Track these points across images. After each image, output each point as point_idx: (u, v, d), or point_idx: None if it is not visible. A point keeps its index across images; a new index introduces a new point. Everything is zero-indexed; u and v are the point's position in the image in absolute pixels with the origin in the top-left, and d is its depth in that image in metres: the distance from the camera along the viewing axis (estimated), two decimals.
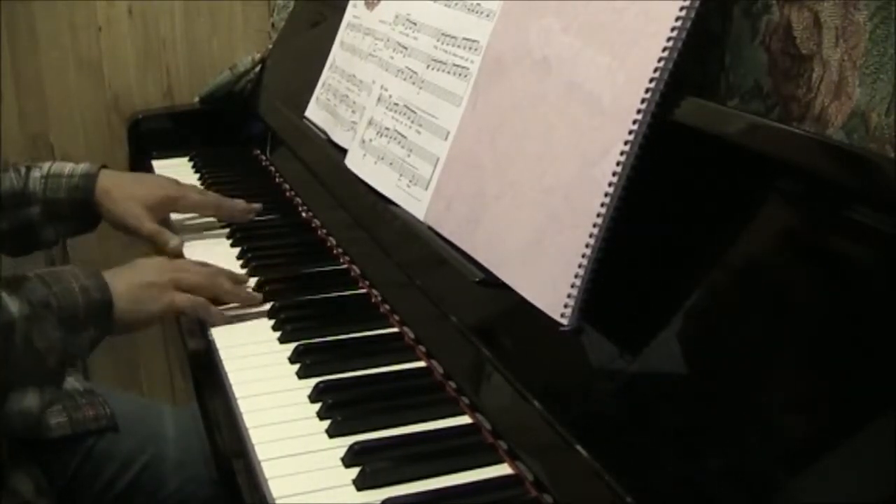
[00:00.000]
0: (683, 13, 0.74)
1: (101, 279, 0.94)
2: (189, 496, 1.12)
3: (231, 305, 1.06)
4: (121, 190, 1.24)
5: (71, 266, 0.95)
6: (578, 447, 0.70)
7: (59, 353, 0.89)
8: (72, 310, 0.90)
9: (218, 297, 1.04)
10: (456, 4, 1.05)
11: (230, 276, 1.07)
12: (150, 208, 1.24)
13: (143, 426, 1.15)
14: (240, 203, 1.30)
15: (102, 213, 1.25)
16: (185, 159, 1.67)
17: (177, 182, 1.32)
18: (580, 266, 0.77)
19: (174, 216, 1.33)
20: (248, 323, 1.04)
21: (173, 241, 1.23)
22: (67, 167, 1.25)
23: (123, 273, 1.00)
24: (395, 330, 1.00)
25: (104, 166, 1.27)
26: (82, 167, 1.25)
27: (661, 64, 0.74)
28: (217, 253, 1.21)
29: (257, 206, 1.31)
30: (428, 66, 1.08)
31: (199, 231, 1.32)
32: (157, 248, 1.24)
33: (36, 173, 1.23)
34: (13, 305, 0.86)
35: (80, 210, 1.24)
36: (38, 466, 1.00)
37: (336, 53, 1.42)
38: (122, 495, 1.10)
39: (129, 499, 1.10)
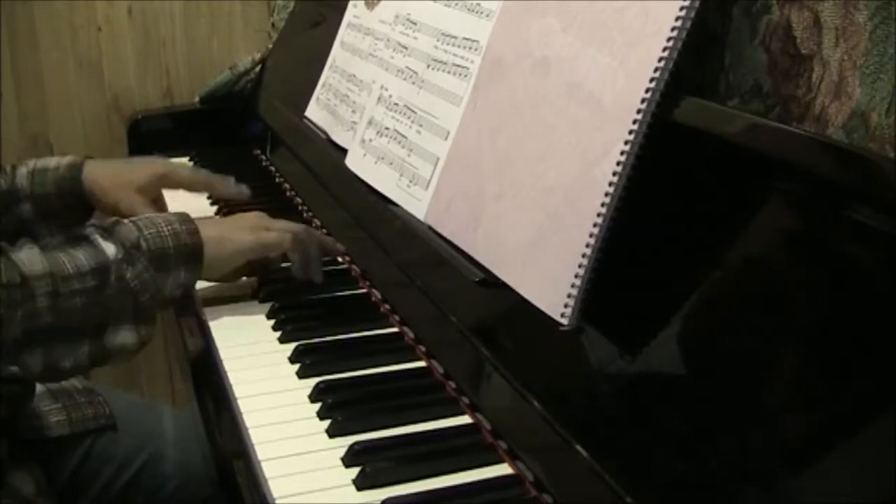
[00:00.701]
0: (683, 13, 0.74)
1: (191, 224, 0.98)
2: (189, 496, 1.12)
3: (229, 302, 1.06)
4: (108, 178, 1.24)
5: (165, 213, 1.00)
6: (578, 447, 0.70)
7: (152, 291, 0.93)
8: (162, 252, 0.94)
9: (297, 252, 1.06)
10: (456, 4, 1.05)
11: (323, 241, 1.10)
12: (141, 191, 1.24)
13: (142, 425, 1.15)
14: (230, 179, 1.31)
15: (95, 204, 1.25)
16: (185, 159, 1.67)
17: (164, 159, 1.33)
18: (580, 266, 0.77)
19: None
20: (248, 322, 1.04)
21: None
22: (52, 161, 1.25)
23: (215, 222, 1.08)
24: (395, 330, 1.00)
25: (88, 157, 1.27)
26: (67, 159, 1.25)
27: (661, 64, 0.74)
28: None
29: (247, 191, 1.31)
30: (428, 66, 1.08)
31: None
32: None
33: (22, 170, 1.23)
34: (108, 248, 0.91)
35: (69, 202, 1.23)
36: (37, 465, 1.00)
37: (336, 53, 1.42)
38: (121, 495, 1.10)
39: (129, 498, 1.10)
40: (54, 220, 1.24)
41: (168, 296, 0.96)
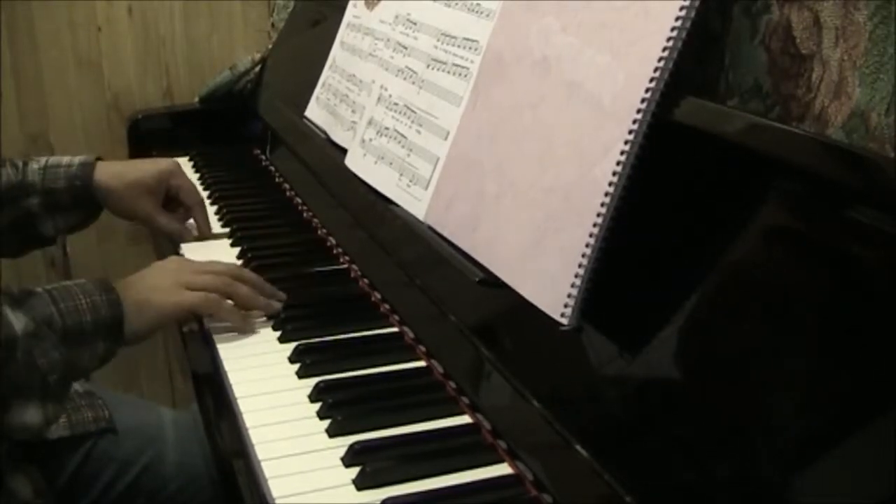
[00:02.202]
0: (683, 13, 0.74)
1: (112, 294, 0.93)
2: (189, 499, 1.12)
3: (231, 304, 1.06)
4: (119, 180, 1.25)
5: (84, 280, 0.94)
6: (578, 447, 0.70)
7: (62, 370, 0.88)
8: (78, 327, 0.90)
9: (233, 299, 1.01)
10: (456, 4, 1.05)
11: (250, 279, 1.04)
12: (152, 192, 1.27)
13: (142, 428, 1.15)
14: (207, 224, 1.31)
15: (108, 206, 1.27)
16: (185, 159, 1.67)
17: (170, 159, 1.34)
18: (580, 266, 0.77)
19: None
20: (249, 322, 1.04)
21: (185, 233, 1.28)
22: (65, 158, 1.26)
23: (135, 282, 0.99)
24: (395, 329, 1.00)
25: (99, 158, 1.28)
26: (79, 158, 1.27)
27: (661, 64, 0.74)
28: (217, 252, 1.21)
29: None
30: (428, 66, 1.08)
31: None
32: (169, 237, 1.28)
33: (34, 165, 1.24)
34: (17, 322, 0.85)
35: (79, 199, 1.24)
36: (36, 468, 1.00)
37: (336, 53, 1.42)
38: (121, 497, 1.10)
39: (129, 501, 1.10)
40: (62, 214, 1.25)
41: (83, 369, 0.92)
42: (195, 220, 1.31)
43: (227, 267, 1.05)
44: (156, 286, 0.99)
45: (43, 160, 1.25)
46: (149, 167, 1.30)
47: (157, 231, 1.30)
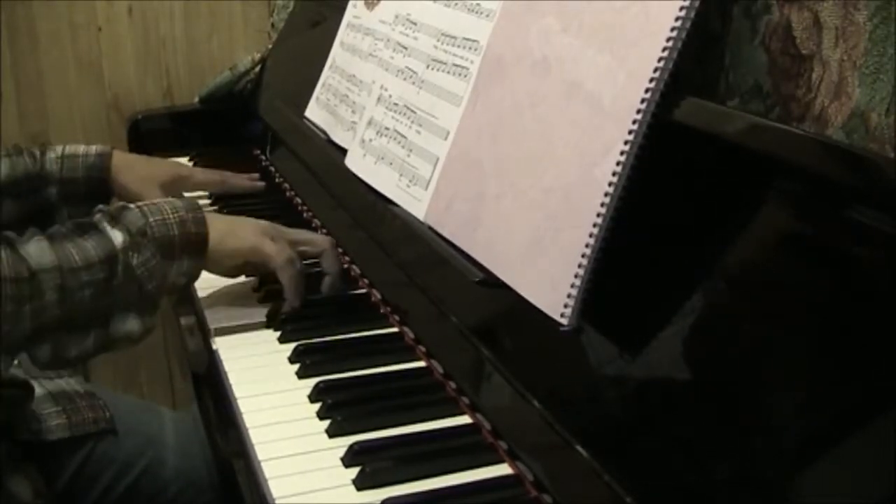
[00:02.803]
0: (683, 13, 0.74)
1: (199, 213, 0.98)
2: (189, 499, 1.12)
3: (229, 302, 1.07)
4: (134, 171, 1.29)
5: (173, 198, 1.00)
6: (578, 447, 0.70)
7: (158, 279, 0.93)
8: (167, 239, 0.94)
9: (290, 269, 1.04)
10: (456, 4, 1.05)
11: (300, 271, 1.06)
12: (163, 187, 1.30)
13: (143, 429, 1.15)
14: (243, 176, 1.40)
15: (117, 192, 1.29)
16: (185, 159, 1.67)
17: (182, 164, 1.41)
18: (580, 266, 0.77)
19: None
20: (248, 323, 1.04)
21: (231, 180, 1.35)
22: (81, 148, 1.29)
23: (223, 217, 1.09)
24: (395, 330, 1.00)
25: (115, 147, 1.32)
26: (96, 147, 1.30)
27: (661, 64, 0.74)
28: None
29: (260, 183, 1.40)
30: (428, 66, 1.08)
31: None
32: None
33: (51, 154, 1.26)
34: (116, 237, 0.91)
35: (95, 189, 1.27)
36: (36, 469, 1.00)
37: (336, 53, 1.42)
38: (121, 499, 1.10)
39: (129, 502, 1.10)
40: (78, 204, 1.26)
41: (171, 284, 0.96)
42: (238, 189, 1.38)
43: (321, 239, 1.09)
44: (242, 225, 1.04)
45: (59, 149, 1.27)
46: (164, 166, 1.36)
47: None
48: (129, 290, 0.91)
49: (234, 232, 1.02)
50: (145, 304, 0.93)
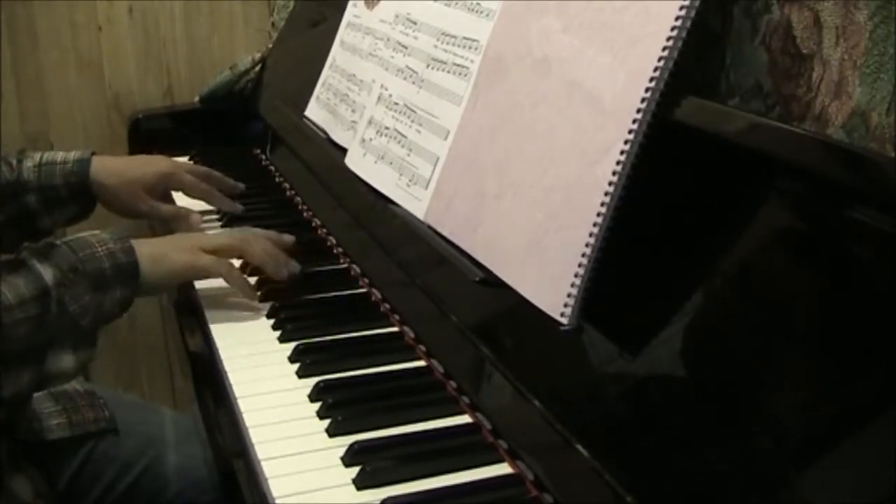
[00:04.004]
0: (683, 13, 0.74)
1: (126, 243, 0.98)
2: (189, 499, 1.12)
3: (229, 302, 1.07)
4: (116, 177, 1.27)
5: (97, 231, 0.99)
6: (578, 446, 0.70)
7: (93, 313, 0.92)
8: (99, 272, 0.93)
9: (245, 258, 1.08)
10: (456, 4, 1.05)
11: (265, 243, 1.09)
12: (148, 190, 1.28)
13: (143, 429, 1.15)
14: (228, 185, 1.38)
15: (104, 203, 1.27)
16: (186, 159, 1.67)
17: (168, 158, 1.37)
18: (580, 266, 0.77)
19: None
20: (248, 322, 1.04)
21: (193, 216, 1.29)
22: (59, 155, 1.27)
23: (152, 240, 1.06)
24: (395, 329, 1.00)
25: (94, 153, 1.29)
26: (74, 154, 1.27)
27: (662, 63, 0.74)
28: None
29: (239, 207, 1.36)
30: (428, 66, 1.08)
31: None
32: (174, 228, 1.29)
33: (28, 163, 1.24)
34: (46, 273, 0.89)
35: (76, 193, 1.25)
36: (37, 469, 1.00)
37: (336, 53, 1.42)
38: (121, 498, 1.10)
39: (130, 502, 1.10)
40: (59, 209, 1.25)
41: (107, 315, 0.95)
42: (219, 197, 1.35)
43: (248, 231, 1.11)
44: (172, 244, 1.05)
45: (38, 156, 1.26)
46: (148, 167, 1.31)
47: (163, 222, 1.32)
48: (63, 325, 0.89)
49: (165, 255, 1.01)
50: (80, 339, 0.91)
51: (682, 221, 0.74)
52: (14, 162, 1.24)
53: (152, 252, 0.99)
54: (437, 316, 0.93)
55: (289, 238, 1.13)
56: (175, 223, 1.28)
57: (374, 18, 1.30)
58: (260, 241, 1.09)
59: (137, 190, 1.26)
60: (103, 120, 1.94)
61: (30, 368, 0.88)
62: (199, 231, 1.25)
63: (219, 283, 1.11)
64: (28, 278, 0.88)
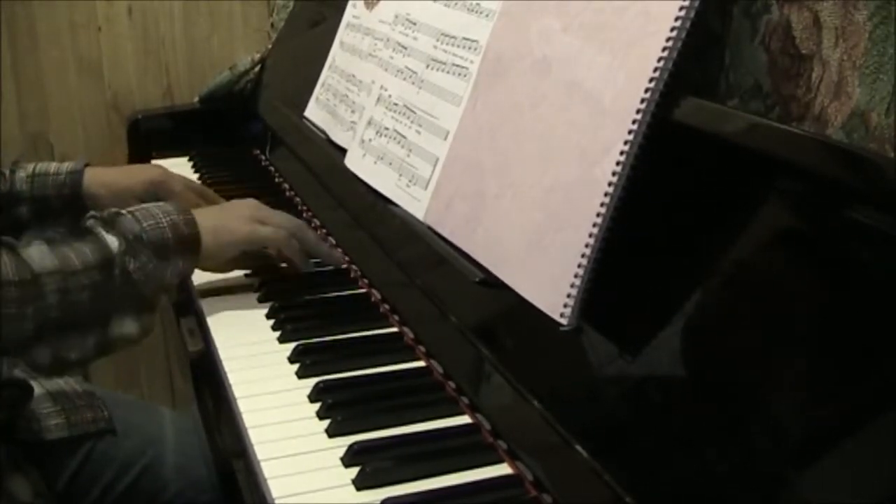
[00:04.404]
0: (683, 13, 0.74)
1: (189, 214, 1.00)
2: (189, 499, 1.12)
3: (229, 302, 1.07)
4: (107, 187, 1.28)
5: (162, 202, 1.02)
6: (578, 447, 0.70)
7: (155, 281, 0.95)
8: (161, 243, 0.96)
9: (300, 244, 1.11)
10: (456, 4, 1.05)
11: (313, 235, 1.13)
12: (140, 199, 1.26)
13: (142, 429, 1.14)
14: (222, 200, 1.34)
15: (93, 209, 1.26)
16: (185, 159, 1.67)
17: (161, 167, 1.36)
18: (580, 266, 0.77)
19: None
20: (248, 322, 1.04)
21: None
22: (52, 166, 1.28)
23: (212, 210, 1.10)
24: (395, 330, 1.00)
25: (87, 164, 1.29)
26: (67, 165, 1.28)
27: (661, 64, 0.74)
28: None
29: None
30: (428, 66, 1.08)
31: None
32: None
33: (21, 174, 1.25)
34: (111, 241, 0.93)
35: (69, 204, 1.26)
36: (35, 469, 0.99)
37: (335, 53, 1.42)
38: (121, 499, 1.10)
39: (129, 502, 1.10)
40: (53, 221, 1.25)
41: (168, 284, 0.98)
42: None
43: (297, 220, 1.14)
44: (232, 215, 1.07)
45: (30, 167, 1.26)
46: (137, 176, 1.32)
47: None
48: (127, 292, 0.93)
49: (224, 226, 1.04)
50: (143, 305, 0.95)
51: (681, 222, 0.74)
52: (7, 173, 1.24)
53: (213, 224, 1.03)
54: (436, 316, 0.93)
55: (335, 255, 1.16)
56: None
57: (373, 19, 1.30)
58: (309, 231, 1.13)
59: (128, 200, 1.26)
60: (103, 120, 1.94)
61: (95, 333, 0.91)
62: None
63: (218, 282, 1.11)
64: (94, 245, 0.92)
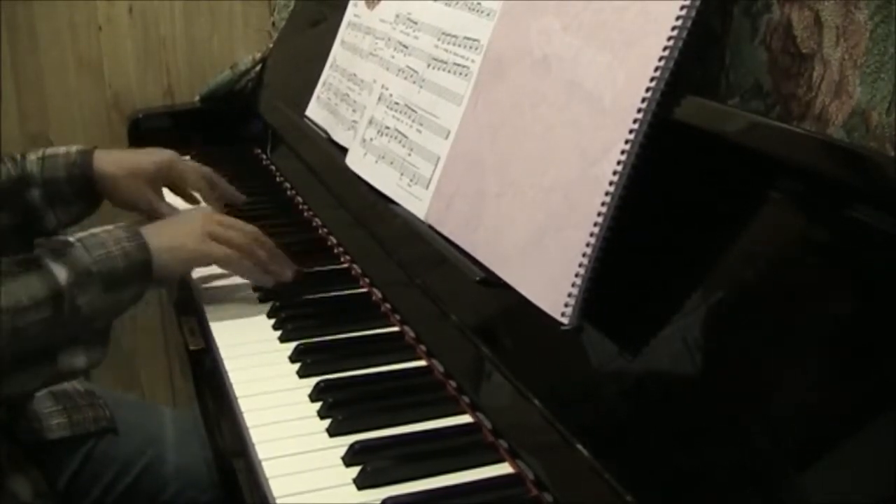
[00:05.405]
0: (684, 12, 0.74)
1: (140, 238, 0.97)
2: (189, 499, 1.12)
3: (230, 302, 1.06)
4: (118, 169, 1.25)
5: (112, 227, 0.98)
6: (579, 446, 0.70)
7: (104, 314, 0.93)
8: (112, 273, 0.94)
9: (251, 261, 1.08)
10: (456, 4, 1.05)
11: (268, 246, 1.10)
12: (150, 181, 1.26)
13: (143, 429, 1.15)
14: (229, 191, 1.34)
15: (107, 195, 1.26)
16: (186, 158, 1.67)
17: (170, 151, 1.34)
18: (581, 265, 0.77)
19: None
20: (249, 322, 1.04)
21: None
22: (62, 148, 1.26)
23: (163, 227, 1.05)
24: (396, 329, 1.00)
25: (96, 147, 1.28)
26: (76, 147, 1.26)
27: (662, 63, 0.74)
28: None
29: (242, 197, 1.35)
30: (429, 66, 1.08)
31: None
32: None
33: (31, 156, 1.23)
34: (60, 273, 0.90)
35: (79, 188, 1.24)
36: (36, 469, 1.00)
37: (337, 52, 1.42)
38: (121, 498, 1.10)
39: (129, 502, 1.10)
40: (64, 206, 1.24)
41: (118, 311, 0.96)
42: (218, 195, 1.31)
43: (252, 229, 1.10)
44: (183, 232, 1.04)
45: (40, 151, 1.25)
46: (147, 157, 1.30)
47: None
48: (76, 327, 0.90)
49: (175, 246, 1.01)
50: (93, 339, 0.93)
51: (682, 221, 0.74)
52: (18, 157, 1.24)
53: (165, 244, 1.00)
54: (437, 316, 0.93)
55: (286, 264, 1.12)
56: None
57: (374, 18, 1.30)
58: (264, 242, 1.09)
59: (138, 180, 1.25)
60: (103, 120, 1.94)
61: (41, 368, 0.89)
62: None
63: (219, 282, 1.11)
64: (42, 278, 0.88)
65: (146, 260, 0.97)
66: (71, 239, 0.94)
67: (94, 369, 0.94)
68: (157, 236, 1.00)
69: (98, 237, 0.95)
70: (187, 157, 1.64)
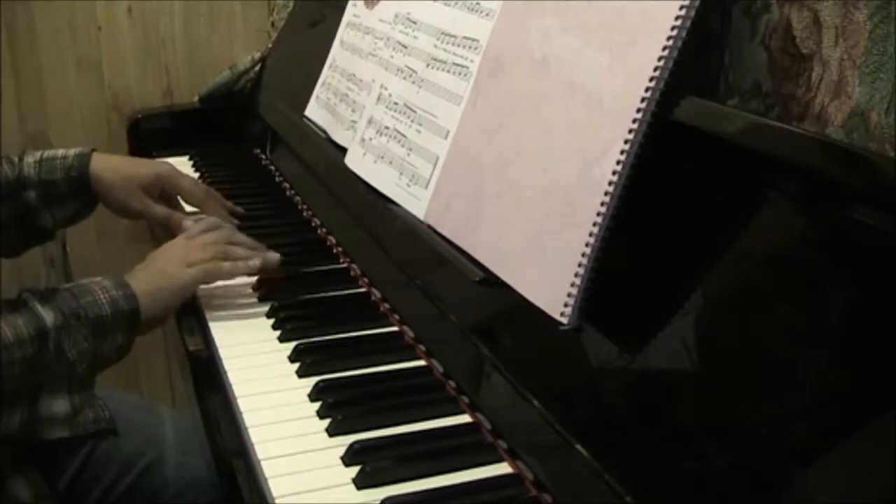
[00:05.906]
0: (683, 13, 0.74)
1: (128, 289, 0.97)
2: (190, 499, 1.12)
3: (229, 302, 1.07)
4: (114, 173, 1.25)
5: (99, 278, 0.98)
6: (578, 446, 0.70)
7: (90, 360, 0.92)
8: (99, 320, 0.93)
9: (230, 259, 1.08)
10: (456, 3, 1.05)
11: (241, 240, 1.11)
12: (146, 190, 1.26)
13: (143, 429, 1.14)
14: (227, 205, 1.32)
15: (101, 198, 1.26)
16: (185, 159, 1.67)
17: (169, 164, 1.34)
18: (580, 265, 0.77)
19: None
20: (248, 322, 1.04)
21: (186, 222, 1.24)
22: (60, 151, 1.26)
23: (144, 272, 1.04)
24: (395, 329, 1.00)
25: (94, 150, 1.28)
26: (74, 150, 1.27)
27: (661, 63, 0.74)
28: None
29: (239, 209, 1.33)
30: (428, 66, 1.08)
31: None
32: (168, 229, 1.26)
33: (29, 159, 1.24)
34: (47, 315, 0.90)
35: (76, 189, 1.24)
36: (37, 471, 0.99)
37: (336, 52, 1.42)
38: (121, 499, 1.10)
39: (130, 502, 1.10)
40: (60, 206, 1.24)
41: (105, 359, 0.95)
42: (216, 211, 1.30)
43: (219, 233, 1.11)
44: (162, 272, 1.04)
45: (38, 154, 1.25)
46: (145, 167, 1.30)
47: (156, 224, 1.30)
48: (60, 371, 0.90)
49: (158, 288, 1.01)
50: (76, 385, 0.92)
51: (681, 221, 0.74)
52: (15, 160, 1.24)
53: (147, 289, 0.99)
54: (436, 316, 0.93)
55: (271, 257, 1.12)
56: (169, 225, 1.27)
57: (373, 18, 1.30)
58: (235, 239, 1.10)
59: (133, 187, 1.25)
60: (103, 120, 1.94)
61: (21, 409, 0.88)
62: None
63: (218, 283, 1.10)
64: (28, 318, 0.88)
65: (134, 309, 0.96)
66: (58, 287, 0.94)
67: (75, 417, 0.92)
68: (141, 280, 1.00)
69: (85, 285, 0.96)
70: (185, 158, 1.66)
